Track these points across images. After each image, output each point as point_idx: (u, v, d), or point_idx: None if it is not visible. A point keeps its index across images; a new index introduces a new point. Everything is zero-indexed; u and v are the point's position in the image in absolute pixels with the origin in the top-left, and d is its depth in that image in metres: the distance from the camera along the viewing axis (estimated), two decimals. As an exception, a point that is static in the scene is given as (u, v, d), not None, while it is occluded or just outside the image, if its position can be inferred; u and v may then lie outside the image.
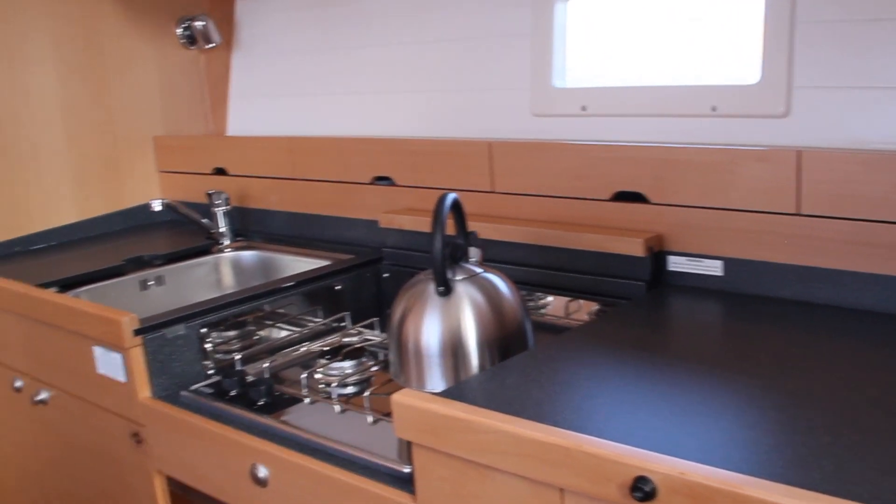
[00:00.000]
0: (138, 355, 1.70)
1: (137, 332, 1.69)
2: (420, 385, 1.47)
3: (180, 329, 1.74)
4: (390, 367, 1.55)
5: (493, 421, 1.12)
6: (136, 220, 2.68)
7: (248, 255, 2.33)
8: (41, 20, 2.47)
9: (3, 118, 2.43)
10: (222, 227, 2.38)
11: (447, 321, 1.46)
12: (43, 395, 2.03)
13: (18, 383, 2.11)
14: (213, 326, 1.80)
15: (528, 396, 1.22)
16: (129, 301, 2.15)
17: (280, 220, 2.43)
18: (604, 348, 1.39)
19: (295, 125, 2.53)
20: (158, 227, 2.67)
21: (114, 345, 1.74)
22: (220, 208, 2.38)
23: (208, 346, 1.79)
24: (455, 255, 1.52)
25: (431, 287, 1.48)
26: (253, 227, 2.49)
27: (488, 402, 1.19)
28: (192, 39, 2.70)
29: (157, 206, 2.30)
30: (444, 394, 1.22)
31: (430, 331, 1.46)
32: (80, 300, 1.85)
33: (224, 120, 2.77)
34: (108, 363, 1.77)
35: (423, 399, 1.19)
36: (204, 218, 2.40)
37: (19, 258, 2.39)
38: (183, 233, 2.55)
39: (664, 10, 1.85)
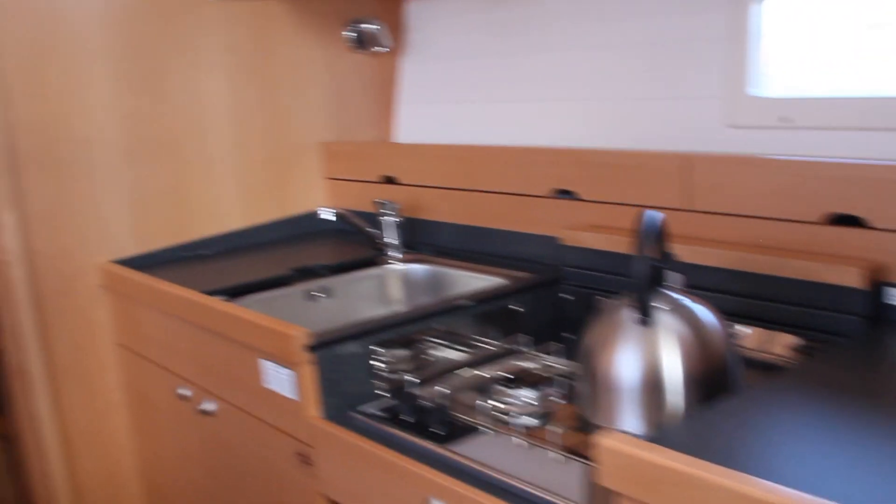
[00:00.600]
0: (309, 372, 1.62)
1: (309, 348, 1.62)
2: (611, 422, 1.34)
3: (353, 346, 1.65)
4: (578, 400, 1.42)
5: (718, 477, 0.98)
6: (300, 228, 2.63)
7: (417, 268, 2.23)
8: (215, 25, 2.45)
9: (177, 123, 2.42)
10: (391, 238, 2.29)
11: (648, 354, 1.32)
12: (208, 406, 1.98)
13: (184, 391, 2.07)
14: (382, 344, 1.70)
15: (750, 447, 1.07)
16: (294, 312, 2.08)
17: (450, 232, 2.32)
18: (828, 393, 1.23)
19: (467, 133, 2.43)
20: (323, 235, 2.61)
21: (284, 360, 1.67)
22: (389, 218, 2.29)
23: (377, 364, 1.69)
24: (655, 280, 1.38)
25: (630, 315, 1.34)
26: (421, 238, 2.38)
27: (706, 453, 1.04)
28: (360, 43, 2.63)
29: (327, 214, 2.23)
30: (657, 440, 1.08)
31: (627, 363, 1.32)
32: (251, 311, 1.78)
33: (390, 126, 2.70)
34: (277, 378, 1.70)
35: (635, 445, 1.06)
36: (371, 228, 2.32)
37: (186, 264, 2.37)
38: (349, 243, 2.48)
39: (869, 16, 1.68)
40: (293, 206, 2.62)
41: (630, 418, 1.33)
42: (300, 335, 1.61)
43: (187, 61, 2.42)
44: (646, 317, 1.33)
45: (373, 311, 2.19)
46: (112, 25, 2.31)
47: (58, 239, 2.30)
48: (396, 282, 2.24)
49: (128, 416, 2.44)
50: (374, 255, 2.29)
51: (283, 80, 2.58)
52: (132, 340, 2.32)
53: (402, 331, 1.73)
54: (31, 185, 2.25)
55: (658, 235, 1.38)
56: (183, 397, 2.08)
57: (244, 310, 1.80)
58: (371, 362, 1.68)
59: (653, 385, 1.31)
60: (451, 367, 1.74)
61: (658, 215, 1.35)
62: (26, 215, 2.24)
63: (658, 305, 1.34)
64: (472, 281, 2.06)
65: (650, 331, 1.33)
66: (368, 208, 2.44)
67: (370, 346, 1.68)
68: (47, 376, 2.32)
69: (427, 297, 2.18)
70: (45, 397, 2.33)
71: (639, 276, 1.32)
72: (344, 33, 2.62)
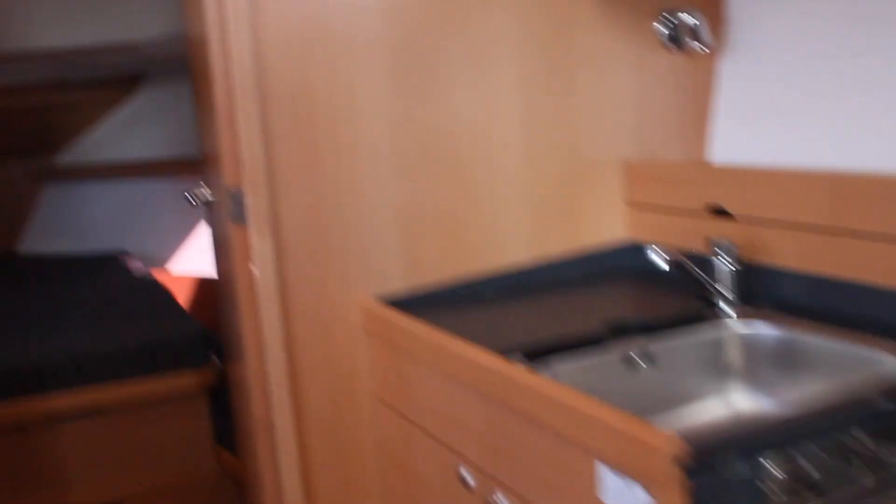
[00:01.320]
0: (678, 499, 1.15)
1: (682, 466, 1.14)
2: None
3: (741, 463, 1.16)
4: None
5: None
6: (597, 267, 2.15)
7: (764, 332, 1.71)
8: (506, 14, 2.03)
9: (457, 133, 2.02)
10: (724, 288, 1.78)
11: None
12: (501, 503, 1.53)
13: (468, 477, 1.64)
14: (774, 457, 1.21)
15: None
16: (613, 386, 1.61)
17: (802, 284, 1.78)
18: None
19: (812, 155, 1.89)
20: (623, 276, 2.12)
21: (637, 474, 1.20)
22: (725, 263, 1.78)
23: (770, 489, 1.19)
24: None
25: None
26: (759, 290, 1.84)
27: None
28: (675, 40, 2.14)
29: (656, 257, 1.74)
30: None
31: None
32: (587, 399, 1.31)
33: (703, 143, 2.19)
34: (623, 496, 1.23)
35: None
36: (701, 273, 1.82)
37: (465, 306, 1.94)
38: (661, 289, 1.98)
39: None
40: (587, 239, 2.15)
41: None
42: (670, 447, 1.14)
43: (471, 59, 2.00)
44: None
45: (705, 386, 1.70)
46: (388, 15, 1.93)
47: (315, 269, 1.93)
48: (736, 348, 1.72)
49: (382, 484, 2.04)
50: (700, 309, 1.79)
51: (583, 82, 2.11)
52: (395, 397, 1.91)
53: (803, 437, 1.23)
54: (286, 202, 1.89)
55: None
56: (464, 483, 1.65)
57: (576, 395, 1.33)
58: (759, 484, 1.19)
59: None
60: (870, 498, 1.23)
61: None
62: (281, 239, 1.88)
63: None
64: (841, 357, 1.54)
65: None
66: (682, 245, 1.94)
67: (759, 461, 1.19)
68: (294, 428, 1.96)
69: (774, 371, 1.67)
70: (291, 451, 1.96)
71: None
72: (656, 26, 2.14)
